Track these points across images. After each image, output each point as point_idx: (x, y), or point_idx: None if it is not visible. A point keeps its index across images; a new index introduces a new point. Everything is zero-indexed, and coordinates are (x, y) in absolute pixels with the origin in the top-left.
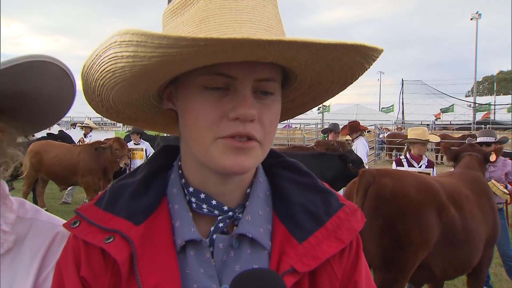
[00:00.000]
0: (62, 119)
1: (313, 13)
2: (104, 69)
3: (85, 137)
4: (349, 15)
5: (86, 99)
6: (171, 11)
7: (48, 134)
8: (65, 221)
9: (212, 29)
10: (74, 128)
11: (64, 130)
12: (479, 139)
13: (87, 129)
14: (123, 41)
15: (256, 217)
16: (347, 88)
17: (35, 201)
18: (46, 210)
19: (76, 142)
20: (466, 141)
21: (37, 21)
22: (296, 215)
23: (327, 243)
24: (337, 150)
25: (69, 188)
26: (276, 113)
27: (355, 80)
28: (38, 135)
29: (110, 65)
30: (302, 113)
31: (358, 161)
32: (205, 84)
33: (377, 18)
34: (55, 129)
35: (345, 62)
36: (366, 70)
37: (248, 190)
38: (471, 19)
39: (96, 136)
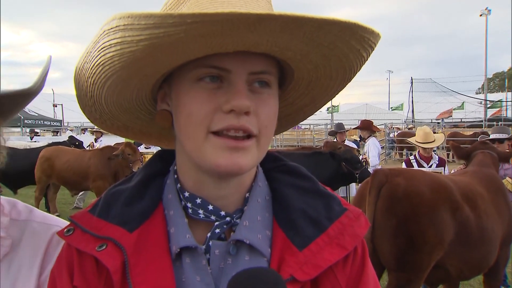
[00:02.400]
0: (73, 125)
1: (318, 13)
2: (94, 64)
3: (95, 142)
4: (356, 14)
5: (80, 106)
6: (166, 11)
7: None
8: (59, 220)
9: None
10: (84, 133)
11: (75, 136)
12: (492, 136)
13: (98, 134)
14: (111, 28)
15: (254, 222)
16: (349, 87)
17: (47, 207)
18: (58, 215)
19: (86, 147)
20: (478, 139)
21: (46, 28)
22: (296, 221)
23: (329, 250)
24: None
25: (80, 193)
26: (273, 107)
27: (354, 75)
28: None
29: (100, 57)
30: (303, 119)
31: (353, 160)
32: (198, 76)
33: (384, 16)
34: (66, 135)
35: (341, 50)
36: (365, 60)
37: (247, 195)
38: (481, 15)
39: (107, 141)
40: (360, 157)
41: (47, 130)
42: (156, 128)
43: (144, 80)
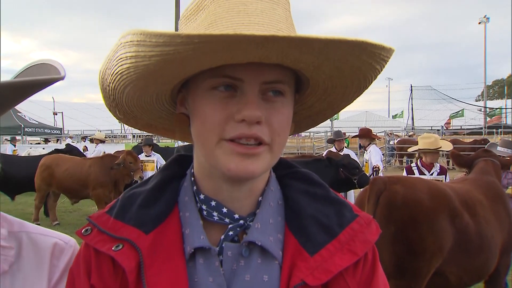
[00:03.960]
0: (73, 133)
1: (320, 21)
2: (113, 72)
3: (95, 148)
4: (357, 22)
5: (106, 106)
6: (186, 18)
7: (55, 149)
8: (52, 231)
9: (220, 31)
10: (85, 141)
11: (74, 144)
12: (499, 149)
13: (96, 141)
14: (127, 42)
15: (266, 225)
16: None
17: (46, 215)
18: (57, 223)
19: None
20: (486, 146)
21: (47, 37)
22: (308, 227)
23: (340, 256)
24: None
25: None
26: (286, 115)
27: (370, 84)
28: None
29: (118, 67)
30: (323, 121)
31: (351, 166)
32: (212, 85)
33: (384, 24)
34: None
35: (353, 63)
36: (379, 71)
37: (260, 198)
38: (479, 23)
39: (107, 149)
40: (368, 166)
41: (46, 139)
42: (178, 127)
43: (161, 88)
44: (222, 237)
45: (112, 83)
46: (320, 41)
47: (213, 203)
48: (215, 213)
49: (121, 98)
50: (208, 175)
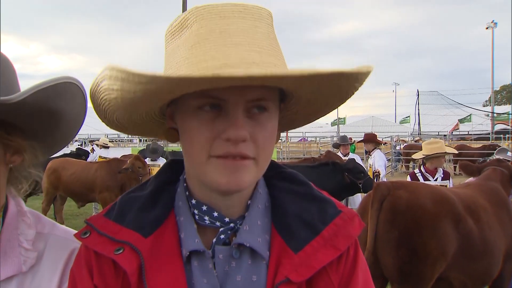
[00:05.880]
0: (79, 136)
1: (325, 26)
2: (102, 97)
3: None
4: (362, 27)
5: (99, 117)
6: (171, 33)
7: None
8: None
9: (202, 54)
10: (92, 145)
11: (82, 147)
12: (510, 154)
13: (100, 146)
14: (112, 75)
15: (254, 227)
16: (356, 99)
17: (54, 218)
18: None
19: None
20: (496, 151)
21: (55, 41)
22: (292, 225)
23: (323, 252)
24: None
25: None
26: (271, 130)
27: (351, 95)
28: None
29: (106, 95)
30: (311, 122)
31: (355, 170)
32: (198, 105)
33: (389, 29)
34: (73, 147)
35: (331, 83)
36: (359, 87)
37: (249, 202)
38: (487, 28)
39: (113, 153)
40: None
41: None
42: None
43: (149, 109)
44: (214, 240)
45: (102, 105)
46: (294, 77)
47: (204, 207)
48: (206, 217)
49: (112, 117)
50: (198, 184)
